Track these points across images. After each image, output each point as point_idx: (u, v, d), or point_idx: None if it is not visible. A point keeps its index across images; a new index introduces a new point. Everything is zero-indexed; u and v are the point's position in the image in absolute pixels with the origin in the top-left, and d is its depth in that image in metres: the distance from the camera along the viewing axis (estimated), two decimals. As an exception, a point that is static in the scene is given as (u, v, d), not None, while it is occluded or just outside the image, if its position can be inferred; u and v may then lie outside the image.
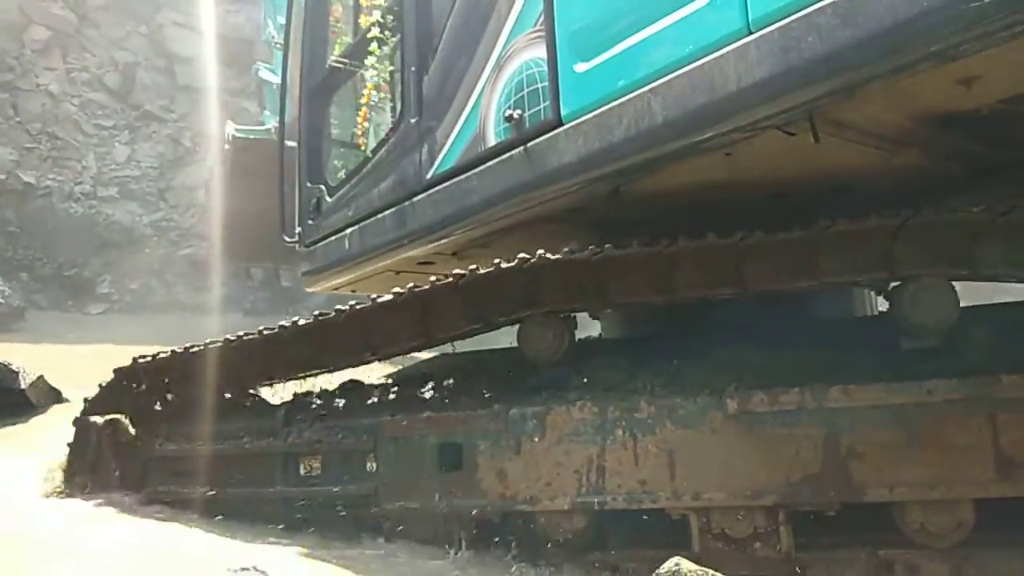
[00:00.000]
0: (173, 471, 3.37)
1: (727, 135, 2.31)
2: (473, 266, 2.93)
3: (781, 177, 2.80)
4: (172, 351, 3.42)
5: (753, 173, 2.71)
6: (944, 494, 2.50)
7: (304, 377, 3.37)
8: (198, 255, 13.78)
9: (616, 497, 2.80)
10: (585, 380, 2.98)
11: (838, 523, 2.65)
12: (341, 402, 3.25)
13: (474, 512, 2.94)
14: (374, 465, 3.10)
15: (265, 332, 3.24)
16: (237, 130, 13.16)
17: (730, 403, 2.66)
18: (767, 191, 2.92)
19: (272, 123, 12.69)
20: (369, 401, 3.22)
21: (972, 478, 2.48)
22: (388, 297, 3.06)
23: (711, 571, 2.03)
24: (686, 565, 2.03)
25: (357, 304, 3.13)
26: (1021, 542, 2.49)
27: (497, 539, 3.02)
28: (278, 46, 12.06)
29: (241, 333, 3.27)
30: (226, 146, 12.04)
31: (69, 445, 3.62)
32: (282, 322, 3.24)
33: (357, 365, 3.28)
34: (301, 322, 3.20)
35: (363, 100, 4.24)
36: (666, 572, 2.03)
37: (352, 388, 3.32)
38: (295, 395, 3.44)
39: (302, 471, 3.20)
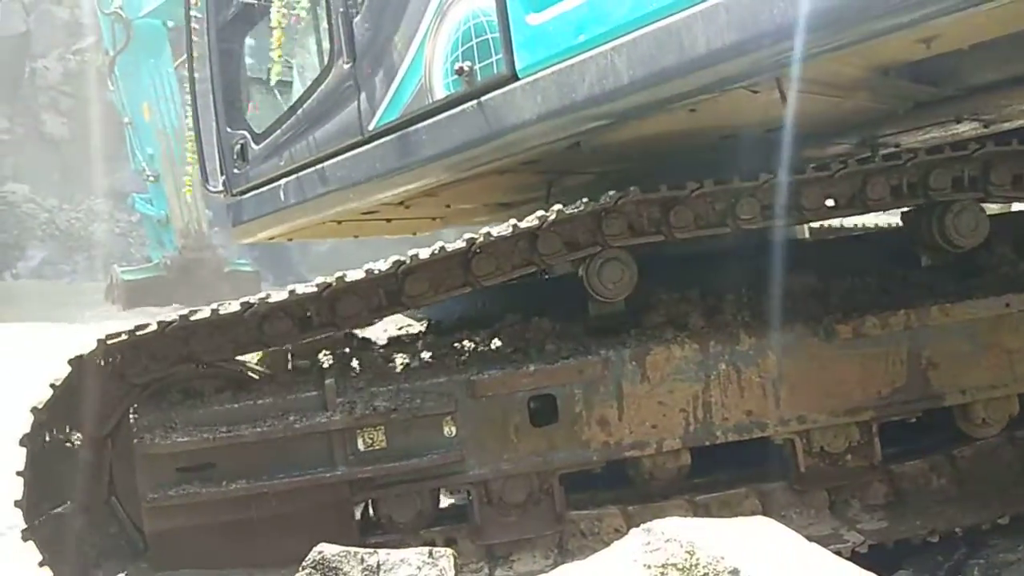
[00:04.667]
0: (179, 468, 2.67)
1: (694, 95, 2.36)
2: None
3: (735, 124, 2.93)
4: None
5: (713, 123, 2.82)
6: (1004, 392, 2.91)
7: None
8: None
9: (725, 431, 2.83)
10: (664, 317, 2.93)
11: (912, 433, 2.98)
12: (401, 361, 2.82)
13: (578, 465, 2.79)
14: (453, 429, 2.77)
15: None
16: (124, 272, 13.75)
17: (842, 329, 2.80)
18: (718, 135, 3.04)
19: (159, 258, 13.53)
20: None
21: (1019, 376, 2.92)
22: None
23: (354, 549, 2.13)
24: (329, 550, 2.11)
25: None
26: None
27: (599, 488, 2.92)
28: (150, 179, 12.80)
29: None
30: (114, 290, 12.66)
31: None
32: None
33: None
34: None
35: (280, 43, 3.94)
36: (311, 562, 2.09)
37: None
38: (317, 360, 2.91)
39: (361, 446, 2.74)
